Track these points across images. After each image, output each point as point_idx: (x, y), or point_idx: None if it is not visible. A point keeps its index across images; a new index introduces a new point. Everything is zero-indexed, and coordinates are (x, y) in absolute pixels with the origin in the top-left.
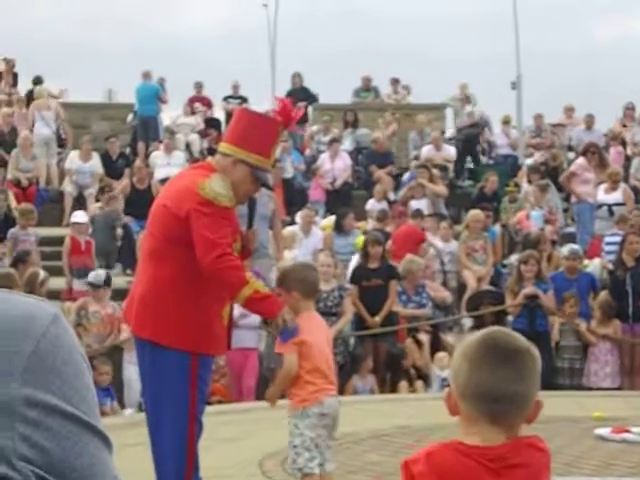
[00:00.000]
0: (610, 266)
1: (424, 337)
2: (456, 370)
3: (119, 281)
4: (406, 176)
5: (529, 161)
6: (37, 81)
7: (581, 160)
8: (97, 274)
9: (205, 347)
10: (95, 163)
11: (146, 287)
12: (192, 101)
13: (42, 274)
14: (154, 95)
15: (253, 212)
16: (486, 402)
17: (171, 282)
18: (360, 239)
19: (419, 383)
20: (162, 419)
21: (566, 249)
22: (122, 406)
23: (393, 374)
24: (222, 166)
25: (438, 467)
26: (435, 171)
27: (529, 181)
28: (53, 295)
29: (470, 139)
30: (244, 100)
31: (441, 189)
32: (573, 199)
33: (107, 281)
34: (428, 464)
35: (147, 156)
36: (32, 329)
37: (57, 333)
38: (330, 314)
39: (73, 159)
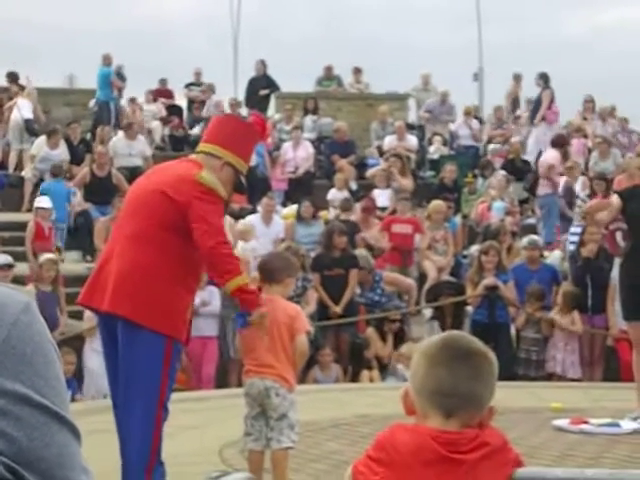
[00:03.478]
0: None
1: (392, 326)
2: (415, 368)
3: (78, 267)
4: (370, 161)
5: (492, 146)
6: (13, 78)
7: (553, 152)
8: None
9: (179, 334)
10: (63, 151)
11: (127, 266)
12: (156, 94)
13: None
14: (107, 79)
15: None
16: (442, 397)
17: (155, 265)
18: (291, 212)
19: (375, 373)
20: (131, 400)
21: (525, 239)
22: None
23: (355, 364)
24: (210, 166)
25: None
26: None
27: (483, 175)
28: (16, 280)
29: None
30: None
31: (407, 183)
32: (539, 191)
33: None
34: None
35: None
36: (3, 317)
37: (28, 322)
38: None
39: (41, 146)
